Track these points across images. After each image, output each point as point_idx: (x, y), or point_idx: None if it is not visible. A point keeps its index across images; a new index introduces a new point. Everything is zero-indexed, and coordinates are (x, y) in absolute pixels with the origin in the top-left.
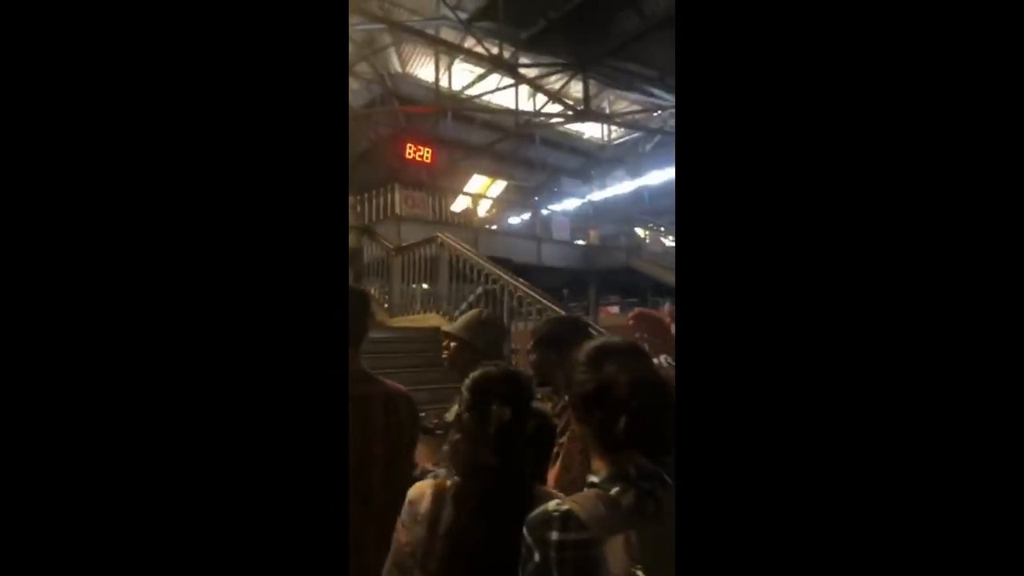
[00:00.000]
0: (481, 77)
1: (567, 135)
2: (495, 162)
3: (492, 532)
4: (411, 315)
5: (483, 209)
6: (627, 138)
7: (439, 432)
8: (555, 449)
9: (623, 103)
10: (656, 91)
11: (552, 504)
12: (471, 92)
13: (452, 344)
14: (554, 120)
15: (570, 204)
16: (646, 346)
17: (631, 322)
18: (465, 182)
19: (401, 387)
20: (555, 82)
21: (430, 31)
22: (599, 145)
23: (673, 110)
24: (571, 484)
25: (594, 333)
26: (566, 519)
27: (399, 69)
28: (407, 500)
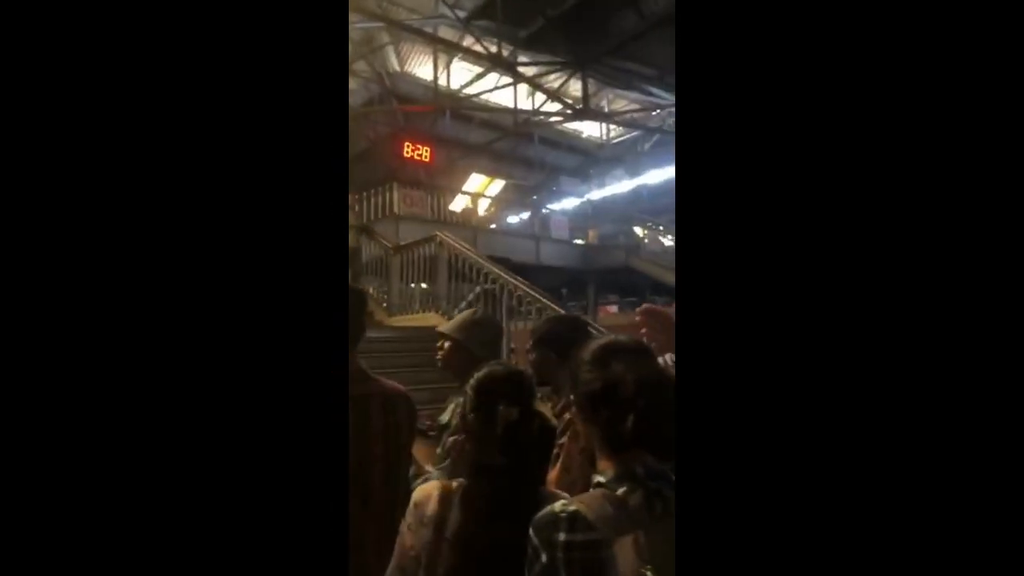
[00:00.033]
0: (480, 76)
1: (566, 134)
2: (494, 161)
3: (500, 534)
4: (410, 314)
5: (482, 208)
6: (626, 137)
7: (431, 434)
8: (555, 450)
9: (622, 102)
10: (655, 90)
11: (559, 505)
12: (469, 91)
13: (446, 344)
14: (553, 119)
15: (569, 203)
16: (652, 344)
17: (639, 318)
18: (464, 181)
19: (400, 387)
20: (554, 81)
21: (428, 29)
22: (598, 144)
23: (672, 109)
24: (571, 485)
25: (593, 332)
26: (573, 520)
27: (397, 68)
28: (412, 502)
